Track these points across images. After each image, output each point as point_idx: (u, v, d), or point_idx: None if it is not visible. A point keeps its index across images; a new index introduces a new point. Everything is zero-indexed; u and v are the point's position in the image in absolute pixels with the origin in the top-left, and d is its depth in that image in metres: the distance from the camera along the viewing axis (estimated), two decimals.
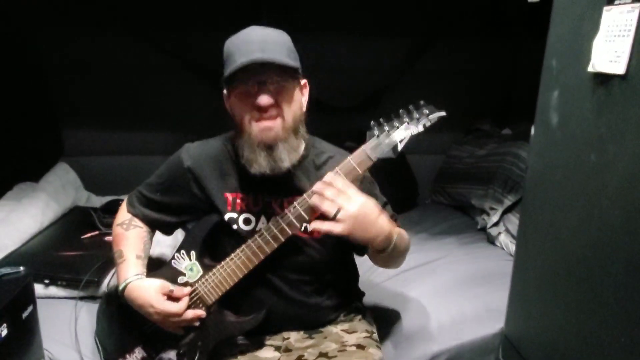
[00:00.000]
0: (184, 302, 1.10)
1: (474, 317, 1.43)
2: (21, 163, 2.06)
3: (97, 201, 2.17)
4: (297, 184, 1.13)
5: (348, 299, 1.28)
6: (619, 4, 0.78)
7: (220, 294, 1.12)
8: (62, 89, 2.30)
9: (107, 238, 1.70)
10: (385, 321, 1.47)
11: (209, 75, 2.34)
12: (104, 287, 1.44)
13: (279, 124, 1.03)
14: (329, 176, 0.99)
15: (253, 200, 1.15)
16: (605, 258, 0.84)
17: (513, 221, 1.88)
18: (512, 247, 1.78)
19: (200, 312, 1.12)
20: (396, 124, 1.00)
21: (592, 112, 0.86)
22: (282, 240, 1.06)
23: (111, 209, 1.87)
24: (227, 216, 1.15)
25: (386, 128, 1.00)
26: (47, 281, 1.45)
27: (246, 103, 1.03)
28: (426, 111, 1.00)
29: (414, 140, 1.03)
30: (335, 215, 0.96)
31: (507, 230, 1.90)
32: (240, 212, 1.15)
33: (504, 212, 1.95)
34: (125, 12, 2.16)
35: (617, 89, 0.80)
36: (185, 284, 1.13)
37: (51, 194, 1.91)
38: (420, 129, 1.00)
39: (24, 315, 1.09)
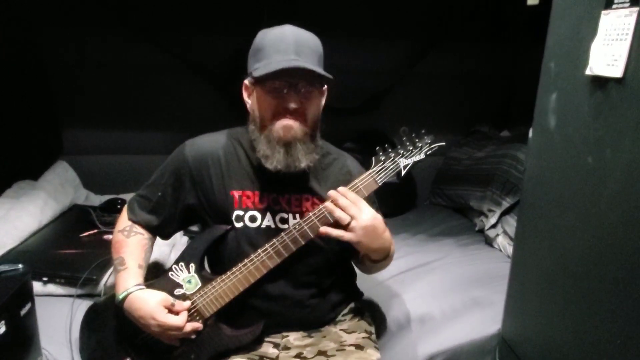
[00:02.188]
0: (184, 315, 1.09)
1: (471, 318, 1.43)
2: (20, 161, 2.05)
3: (96, 200, 2.17)
4: (304, 182, 1.14)
5: (346, 297, 1.29)
6: (617, 8, 0.78)
7: (218, 307, 1.11)
8: (62, 88, 2.30)
9: (106, 236, 1.70)
10: (383, 321, 1.47)
11: (209, 76, 2.35)
12: (102, 285, 1.44)
13: (299, 124, 1.06)
14: (342, 189, 1.06)
15: (259, 197, 1.14)
16: (601, 260, 0.85)
17: (511, 223, 1.88)
18: (510, 249, 1.79)
19: (198, 325, 1.11)
20: (401, 151, 1.10)
21: (590, 115, 0.87)
22: (294, 249, 1.08)
23: (110, 208, 1.88)
24: (233, 214, 1.14)
25: (391, 155, 1.09)
26: (45, 279, 1.45)
27: (272, 101, 1.05)
28: (428, 140, 1.11)
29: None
30: (348, 224, 1.03)
31: (505, 232, 1.91)
32: (246, 210, 1.14)
33: (502, 214, 1.96)
34: (125, 12, 2.16)
35: (614, 92, 0.80)
36: (182, 296, 1.12)
37: (50, 192, 1.91)
38: (422, 156, 1.11)
39: (22, 312, 1.09)
